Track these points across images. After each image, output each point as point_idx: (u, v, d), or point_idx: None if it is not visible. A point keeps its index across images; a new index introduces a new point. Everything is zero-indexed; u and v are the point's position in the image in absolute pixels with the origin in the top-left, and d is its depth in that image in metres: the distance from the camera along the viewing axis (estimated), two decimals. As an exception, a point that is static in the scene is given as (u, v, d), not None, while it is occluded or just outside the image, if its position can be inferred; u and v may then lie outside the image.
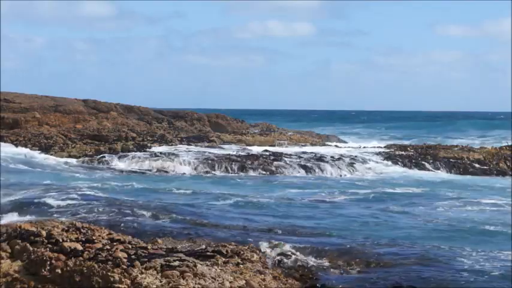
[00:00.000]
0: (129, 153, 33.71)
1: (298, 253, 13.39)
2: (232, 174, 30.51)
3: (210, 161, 31.75)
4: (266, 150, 35.28)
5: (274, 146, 39.94)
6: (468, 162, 34.03)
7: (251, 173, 30.63)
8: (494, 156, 35.14)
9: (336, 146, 42.51)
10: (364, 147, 40.71)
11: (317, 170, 31.44)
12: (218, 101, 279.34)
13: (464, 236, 15.83)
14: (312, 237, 15.08)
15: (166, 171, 30.99)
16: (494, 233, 16.25)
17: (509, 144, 39.38)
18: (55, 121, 41.96)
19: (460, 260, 12.89)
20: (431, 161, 33.73)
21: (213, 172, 30.75)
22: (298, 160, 32.49)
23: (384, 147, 39.97)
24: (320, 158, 33.10)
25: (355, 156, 33.96)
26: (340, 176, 31.03)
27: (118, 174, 29.68)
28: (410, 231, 16.26)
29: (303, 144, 42.19)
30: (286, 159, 32.58)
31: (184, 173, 30.57)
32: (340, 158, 33.46)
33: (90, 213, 16.90)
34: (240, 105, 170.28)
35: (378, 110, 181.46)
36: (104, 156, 33.14)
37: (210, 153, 33.93)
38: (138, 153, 33.86)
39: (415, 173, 32.01)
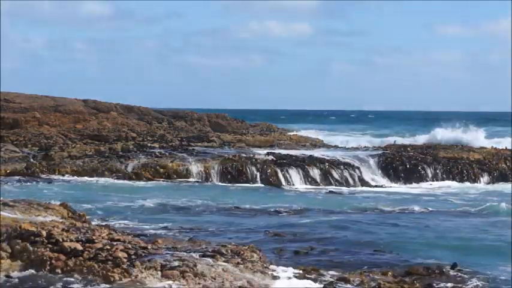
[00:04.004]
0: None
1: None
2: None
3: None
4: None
5: (274, 146, 39.84)
6: (468, 162, 34.03)
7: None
8: (494, 156, 35.15)
9: (336, 146, 42.40)
10: (365, 147, 40.62)
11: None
12: (218, 101, 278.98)
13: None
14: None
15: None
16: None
17: (510, 145, 39.35)
18: (55, 121, 41.94)
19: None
20: (430, 161, 33.71)
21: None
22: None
23: (383, 147, 39.84)
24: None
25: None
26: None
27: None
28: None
29: (302, 144, 42.11)
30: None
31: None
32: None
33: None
34: (240, 105, 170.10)
35: (378, 110, 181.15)
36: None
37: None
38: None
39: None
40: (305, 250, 15.17)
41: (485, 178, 33.22)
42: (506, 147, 37.63)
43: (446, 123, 46.15)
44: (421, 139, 45.87)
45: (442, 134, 44.91)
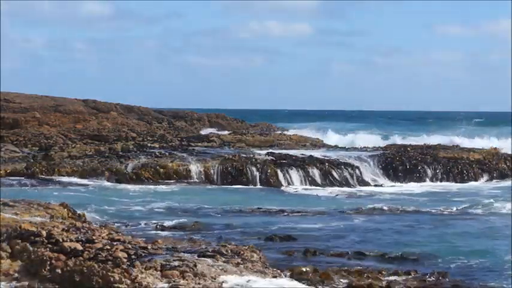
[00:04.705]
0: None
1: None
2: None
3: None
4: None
5: (274, 146, 39.82)
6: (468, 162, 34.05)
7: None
8: (494, 156, 35.17)
9: (336, 146, 42.36)
10: (365, 147, 40.53)
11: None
12: (218, 101, 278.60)
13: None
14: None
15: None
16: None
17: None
18: (55, 121, 41.96)
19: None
20: (430, 161, 33.71)
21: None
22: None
23: (383, 147, 39.78)
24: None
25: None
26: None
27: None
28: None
29: (302, 144, 42.06)
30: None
31: None
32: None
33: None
34: (240, 105, 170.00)
35: (378, 110, 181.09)
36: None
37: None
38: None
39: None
40: (311, 251, 15.14)
41: (484, 178, 33.27)
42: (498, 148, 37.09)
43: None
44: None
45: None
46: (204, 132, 47.57)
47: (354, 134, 50.91)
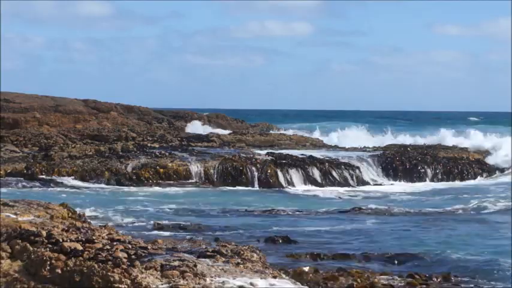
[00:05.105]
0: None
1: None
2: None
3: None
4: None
5: (274, 146, 39.81)
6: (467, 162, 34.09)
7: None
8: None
9: (336, 146, 42.31)
10: (365, 147, 40.50)
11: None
12: (218, 101, 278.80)
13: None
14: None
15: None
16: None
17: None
18: (55, 121, 41.96)
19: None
20: (430, 161, 33.71)
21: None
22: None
23: (383, 147, 39.75)
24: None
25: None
26: None
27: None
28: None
29: (302, 144, 42.04)
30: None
31: None
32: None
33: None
34: (240, 105, 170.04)
35: (378, 110, 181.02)
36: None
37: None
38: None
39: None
40: (314, 254, 15.09)
41: (484, 176, 33.38)
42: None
43: None
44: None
45: None
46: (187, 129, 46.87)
47: (341, 132, 50.40)
